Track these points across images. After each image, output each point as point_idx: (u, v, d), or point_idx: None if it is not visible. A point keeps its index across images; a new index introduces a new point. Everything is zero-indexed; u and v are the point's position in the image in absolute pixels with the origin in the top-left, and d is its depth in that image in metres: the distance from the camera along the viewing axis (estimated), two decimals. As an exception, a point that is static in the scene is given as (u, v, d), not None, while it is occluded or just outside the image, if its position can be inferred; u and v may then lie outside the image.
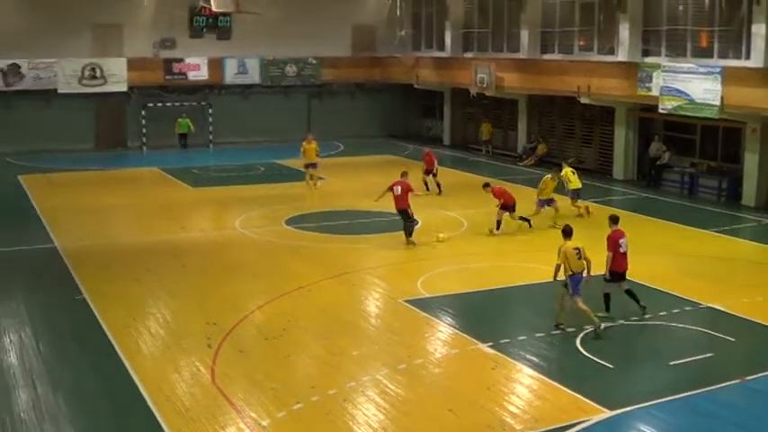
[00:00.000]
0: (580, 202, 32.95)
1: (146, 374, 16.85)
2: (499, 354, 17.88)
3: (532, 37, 47.78)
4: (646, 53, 40.72)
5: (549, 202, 31.83)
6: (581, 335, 18.88)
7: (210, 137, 54.38)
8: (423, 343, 18.99)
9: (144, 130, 53.27)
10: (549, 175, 32.14)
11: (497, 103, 50.87)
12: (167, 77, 54.16)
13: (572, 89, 41.93)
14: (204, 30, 55.61)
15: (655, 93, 37.15)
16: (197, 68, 54.67)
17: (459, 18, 54.48)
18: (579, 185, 32.97)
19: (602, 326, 19.38)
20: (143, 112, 53.25)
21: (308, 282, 23.31)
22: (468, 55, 53.11)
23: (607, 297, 20.57)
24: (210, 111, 54.92)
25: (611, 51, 42.47)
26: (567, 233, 20.21)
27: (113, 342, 18.77)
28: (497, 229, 29.56)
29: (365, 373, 16.86)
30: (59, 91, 51.37)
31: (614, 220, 21.09)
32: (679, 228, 31.42)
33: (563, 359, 17.99)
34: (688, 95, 35.53)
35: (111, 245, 28.71)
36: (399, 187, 28.64)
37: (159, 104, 53.84)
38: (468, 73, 49.69)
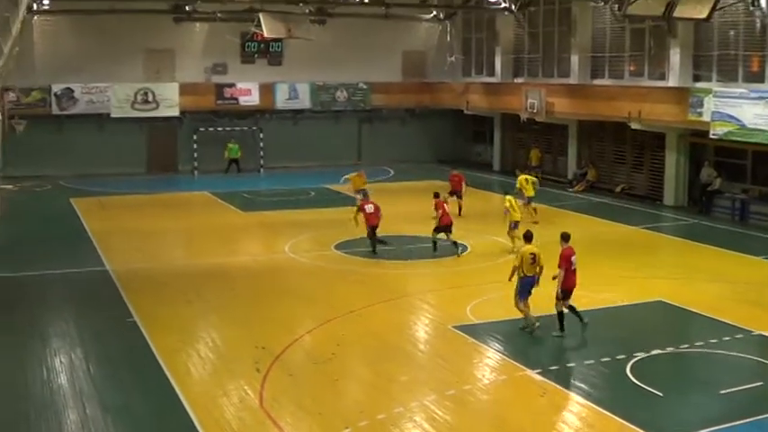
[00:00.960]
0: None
1: (195, 398, 16.90)
2: (547, 381, 17.73)
3: (583, 62, 47.65)
4: (697, 78, 40.48)
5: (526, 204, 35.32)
6: (631, 362, 18.69)
7: (261, 161, 54.65)
8: (471, 369, 18.89)
9: (195, 155, 53.67)
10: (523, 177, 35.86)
11: (547, 128, 50.70)
12: (219, 102, 54.58)
13: (622, 114, 41.72)
14: (256, 55, 56.03)
15: (706, 118, 36.86)
16: (248, 93, 55.05)
17: (509, 43, 54.48)
18: (532, 194, 36.29)
19: (537, 324, 20.85)
20: (194, 137, 53.66)
21: (358, 306, 23.30)
22: (519, 80, 53.06)
23: (561, 315, 20.94)
24: (261, 135, 55.22)
25: (662, 76, 42.24)
26: (528, 238, 21.75)
27: (163, 365, 18.85)
28: (434, 250, 30.81)
29: (413, 399, 16.79)
30: (112, 115, 51.95)
31: (565, 237, 21.48)
32: (730, 254, 31.08)
33: (612, 387, 17.79)
34: (739, 121, 35.23)
35: (161, 268, 28.93)
36: (371, 205, 31.06)
37: (210, 129, 54.26)
38: (518, 98, 49.62)
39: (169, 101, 52.96)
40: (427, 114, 59.34)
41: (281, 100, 55.90)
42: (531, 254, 21.05)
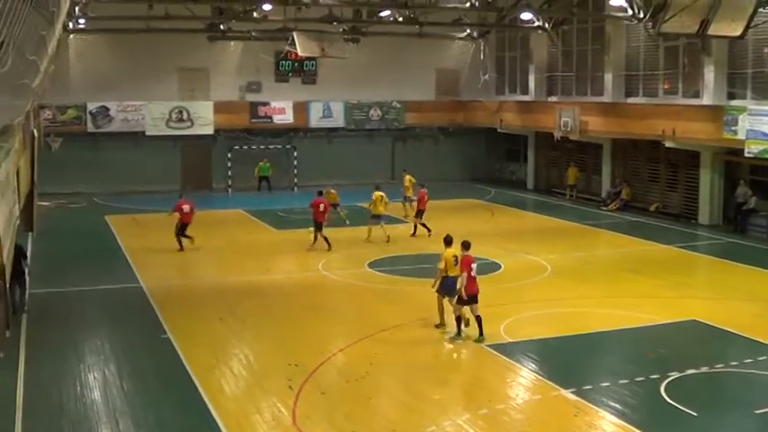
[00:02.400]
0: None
1: (228, 415, 16.90)
2: (581, 400, 17.61)
3: (616, 80, 47.55)
4: (731, 96, 40.31)
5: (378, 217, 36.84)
6: (665, 382, 18.55)
7: (295, 179, 54.81)
8: (504, 388, 18.80)
9: (229, 172, 53.92)
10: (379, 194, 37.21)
11: (581, 146, 50.57)
12: (253, 121, 54.87)
13: (657, 133, 41.55)
14: (290, 74, 56.30)
15: (740, 136, 36.65)
16: (282, 112, 55.29)
17: (542, 62, 54.45)
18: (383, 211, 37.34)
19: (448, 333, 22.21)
20: (229, 155, 53.93)
21: (391, 325, 23.27)
22: (552, 99, 53.01)
23: (459, 320, 22.09)
24: (295, 154, 55.43)
25: (696, 94, 42.08)
26: (448, 242, 22.84)
27: (196, 381, 18.88)
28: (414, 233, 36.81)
29: (446, 418, 16.72)
30: (147, 133, 52.35)
31: (466, 246, 22.33)
32: (765, 273, 30.77)
33: (646, 406, 17.64)
34: (774, 139, 35.06)
35: (195, 285, 29.07)
36: (322, 205, 34.78)
37: (245, 147, 54.52)
38: (551, 117, 49.55)
39: (204, 119, 53.30)
40: (461, 133, 59.38)
41: (315, 118, 56.12)
42: (454, 256, 22.34)
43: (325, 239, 34.57)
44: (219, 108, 53.80)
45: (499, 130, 55.90)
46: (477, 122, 58.22)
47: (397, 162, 57.80)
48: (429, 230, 37.33)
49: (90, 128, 51.70)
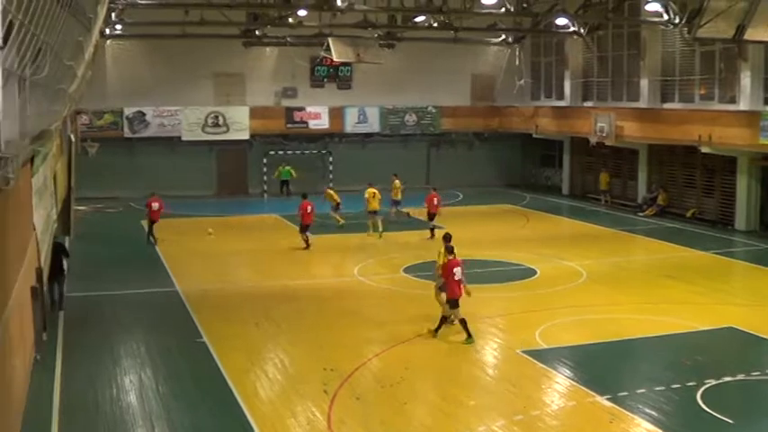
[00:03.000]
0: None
1: (263, 419, 16.93)
2: (617, 407, 17.50)
3: (652, 86, 47.29)
4: (768, 101, 40.04)
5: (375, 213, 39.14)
6: (701, 389, 18.40)
7: (330, 184, 54.83)
8: (539, 394, 18.71)
9: (265, 177, 54.07)
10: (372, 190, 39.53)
11: (617, 152, 50.35)
12: (288, 126, 55.01)
13: (693, 138, 41.27)
14: (325, 79, 56.40)
15: (777, 142, 36.41)
16: (318, 117, 55.42)
17: (578, 67, 54.25)
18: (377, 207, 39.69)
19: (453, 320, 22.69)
20: (264, 160, 54.11)
21: (426, 330, 23.19)
22: (588, 104, 52.78)
23: (443, 320, 22.81)
24: (330, 159, 55.52)
25: (733, 100, 41.78)
26: (447, 238, 23.77)
27: (231, 385, 18.93)
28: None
29: (481, 424, 16.67)
30: (183, 138, 52.61)
31: (449, 249, 23.10)
32: (804, 280, 30.57)
33: (682, 413, 17.50)
34: (811, 144, 34.78)
35: (230, 289, 29.14)
36: (310, 207, 36.30)
37: (280, 152, 54.67)
38: (587, 122, 49.36)
39: (239, 124, 53.50)
40: (496, 138, 59.28)
41: (351, 123, 56.22)
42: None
43: (306, 240, 36.16)
44: (255, 113, 54.01)
45: (534, 135, 55.77)
46: (512, 128, 58.13)
47: (433, 167, 57.82)
48: (432, 234, 37.75)
49: (126, 133, 52.03)
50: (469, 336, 22.30)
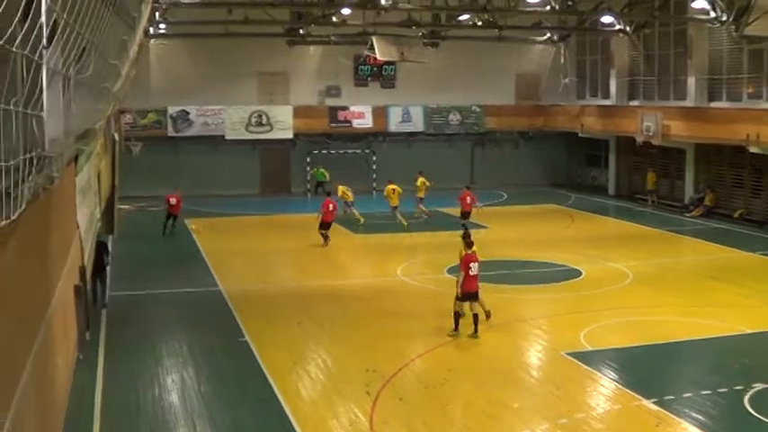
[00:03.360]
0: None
1: (305, 419, 16.93)
2: (663, 411, 17.32)
3: (699, 84, 46.87)
4: (816, 100, 39.58)
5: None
6: (749, 393, 18.18)
7: (374, 184, 54.89)
8: (584, 397, 18.57)
9: (308, 177, 54.21)
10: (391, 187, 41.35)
11: (664, 151, 49.96)
12: (332, 125, 55.12)
13: (740, 138, 40.84)
14: (369, 78, 56.49)
15: (826, 141, 35.97)
16: (361, 116, 55.47)
17: (624, 65, 53.89)
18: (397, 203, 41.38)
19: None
20: (308, 159, 54.25)
21: (470, 331, 23.13)
22: (634, 103, 52.42)
23: (457, 315, 22.94)
24: (374, 158, 55.56)
25: (782, 99, 41.38)
26: (466, 235, 24.22)
27: (273, 385, 18.95)
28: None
29: (525, 427, 16.57)
30: (226, 137, 52.89)
31: (469, 245, 23.36)
32: None
33: (729, 418, 17.29)
34: None
35: (273, 289, 29.23)
36: (332, 205, 36.96)
37: (324, 151, 54.78)
38: (633, 121, 49.01)
39: (283, 123, 53.67)
40: (541, 137, 59.07)
41: (395, 123, 56.23)
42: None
43: (324, 236, 36.78)
44: (299, 112, 54.17)
45: (580, 134, 55.46)
46: (557, 127, 57.86)
47: (477, 167, 57.70)
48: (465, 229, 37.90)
49: (170, 132, 52.39)
50: (476, 331, 22.71)
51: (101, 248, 26.34)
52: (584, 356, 21.08)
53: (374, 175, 55.05)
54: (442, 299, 27.25)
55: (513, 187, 55.88)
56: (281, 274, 32.55)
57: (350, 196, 42.41)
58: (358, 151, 56.03)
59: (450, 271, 31.20)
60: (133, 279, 30.13)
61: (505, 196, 53.40)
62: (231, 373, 20.10)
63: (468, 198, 39.52)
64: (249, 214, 46.54)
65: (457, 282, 23.19)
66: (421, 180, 44.17)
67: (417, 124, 56.77)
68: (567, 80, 58.19)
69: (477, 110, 57.64)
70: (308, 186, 54.32)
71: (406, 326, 24.35)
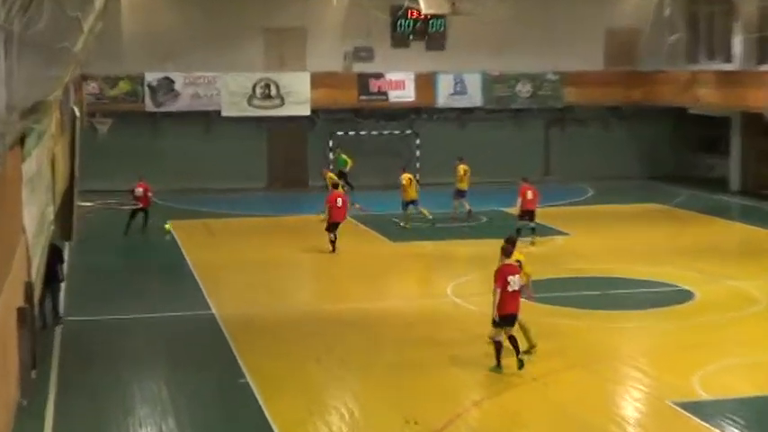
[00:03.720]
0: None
1: (324, 490, 16.80)
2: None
3: None
4: None
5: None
6: None
7: (417, 176, 54.69)
8: (700, 463, 18.36)
9: (331, 166, 54.08)
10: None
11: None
12: (362, 98, 55.08)
13: None
14: (411, 37, 56.33)
15: None
16: (401, 87, 55.39)
17: (751, 19, 53.37)
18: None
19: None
20: (330, 143, 54.13)
21: (543, 371, 22.92)
22: (765, 68, 51.97)
23: (497, 345, 22.88)
24: (417, 142, 55.43)
25: None
26: (510, 241, 24.11)
27: (283, 443, 18.85)
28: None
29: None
30: (223, 113, 52.97)
31: (506, 252, 23.41)
32: None
33: None
34: None
35: (284, 313, 29.16)
36: (341, 199, 37.67)
37: (351, 133, 54.68)
38: (764, 93, 48.57)
39: (298, 95, 53.68)
40: (638, 114, 58.82)
41: (444, 95, 56.14)
42: (517, 260, 23.71)
43: (332, 241, 37.49)
44: (318, 81, 54.17)
45: (691, 110, 55.12)
46: (660, 101, 57.48)
47: (552, 153, 57.55)
48: (530, 232, 38.19)
49: (148, 106, 52.50)
50: (498, 365, 22.80)
51: (53, 254, 26.31)
52: (698, 408, 20.81)
53: (417, 164, 54.87)
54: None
55: (602, 181, 55.62)
56: (294, 293, 32.52)
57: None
58: (396, 132, 55.95)
59: (519, 291, 31.00)
60: (96, 300, 30.16)
61: (591, 192, 53.33)
62: (227, 427, 20.01)
63: (530, 192, 39.19)
64: (253, 215, 46.61)
65: (493, 302, 23.02)
66: (463, 167, 44.53)
67: (474, 97, 56.68)
68: (674, 38, 57.75)
69: (554, 78, 57.46)
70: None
71: (459, 363, 24.19)
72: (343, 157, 53.30)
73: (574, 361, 23.83)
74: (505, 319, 22.81)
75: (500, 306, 22.67)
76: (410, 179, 41.95)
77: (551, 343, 25.52)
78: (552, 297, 30.10)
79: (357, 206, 43.57)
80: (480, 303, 29.38)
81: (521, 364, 22.46)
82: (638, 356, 24.61)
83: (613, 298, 30.43)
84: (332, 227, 37.14)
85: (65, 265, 28.35)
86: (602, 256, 36.44)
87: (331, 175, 44.01)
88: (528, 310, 28.50)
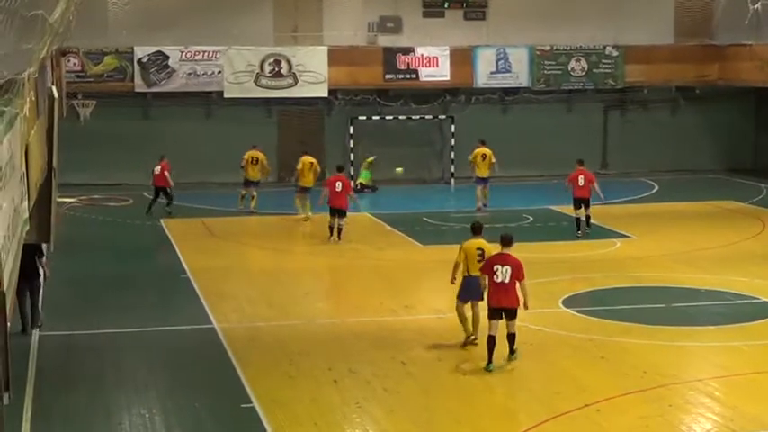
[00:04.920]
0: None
1: None
2: None
3: None
4: None
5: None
6: None
7: (452, 168, 54.80)
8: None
9: (352, 156, 54.16)
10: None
11: None
12: (388, 77, 55.13)
13: None
14: (446, 5, 56.32)
15: None
16: (434, 64, 55.45)
17: None
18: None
19: (474, 338, 26.34)
20: (351, 129, 54.21)
21: (598, 397, 22.98)
22: None
23: (490, 341, 24.96)
24: (453, 129, 55.44)
25: None
26: (476, 230, 27.20)
27: (295, 479, 19.03)
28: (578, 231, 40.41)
29: None
30: (226, 95, 53.05)
31: (505, 241, 25.87)
32: None
33: None
34: None
35: (295, 327, 29.24)
36: (340, 183, 39.42)
37: (375, 117, 54.73)
38: None
39: (313, 74, 53.79)
40: (714, 96, 58.82)
41: (485, 74, 56.19)
42: (479, 248, 26.27)
43: (332, 228, 40.10)
44: (337, 58, 54.26)
45: (775, 92, 55.18)
46: (740, 80, 57.42)
47: (611, 141, 57.56)
48: (584, 226, 39.81)
49: (139, 85, 52.63)
50: (490, 362, 24.80)
51: (31, 249, 26.50)
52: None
53: (452, 154, 54.90)
54: (553, 346, 27.17)
55: (670, 174, 55.67)
56: (307, 304, 32.51)
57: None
58: (428, 117, 55.97)
59: (568, 303, 31.09)
60: (78, 312, 30.31)
61: (656, 188, 53.34)
62: (229, 459, 20.12)
63: (581, 178, 39.38)
64: (260, 213, 46.66)
65: (453, 275, 26.72)
66: (481, 151, 46.81)
67: (520, 76, 56.73)
68: (758, 6, 57.65)
69: (614, 54, 57.45)
70: (351, 172, 54.31)
71: (500, 386, 24.36)
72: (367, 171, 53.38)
73: (634, 385, 23.83)
74: (493, 311, 24.97)
75: (489, 297, 25.22)
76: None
77: (606, 363, 25.66)
78: (608, 310, 30.28)
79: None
80: (524, 318, 29.49)
81: (512, 356, 25.30)
82: (710, 380, 24.57)
83: (680, 311, 30.45)
84: (333, 211, 39.44)
85: (44, 260, 28.50)
86: (667, 262, 36.43)
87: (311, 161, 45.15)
88: (590, 328, 28.75)
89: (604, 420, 21.95)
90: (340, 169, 41.00)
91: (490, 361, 24.70)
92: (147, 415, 22.49)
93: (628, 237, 40.10)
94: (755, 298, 31.60)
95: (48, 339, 26.84)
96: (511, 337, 25.10)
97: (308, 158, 44.80)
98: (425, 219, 44.57)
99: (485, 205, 45.07)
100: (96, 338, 28.02)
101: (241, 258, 37.74)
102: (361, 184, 53.32)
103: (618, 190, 42.90)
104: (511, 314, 25.00)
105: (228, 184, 51.35)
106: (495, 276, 24.82)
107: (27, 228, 28.28)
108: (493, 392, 23.95)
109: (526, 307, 25.28)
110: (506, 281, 24.85)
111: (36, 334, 26.58)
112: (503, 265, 24.92)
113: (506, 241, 25.75)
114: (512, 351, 25.22)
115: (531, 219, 43.92)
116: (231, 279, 34.70)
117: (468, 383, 24.38)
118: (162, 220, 43.16)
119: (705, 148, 58.64)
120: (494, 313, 24.96)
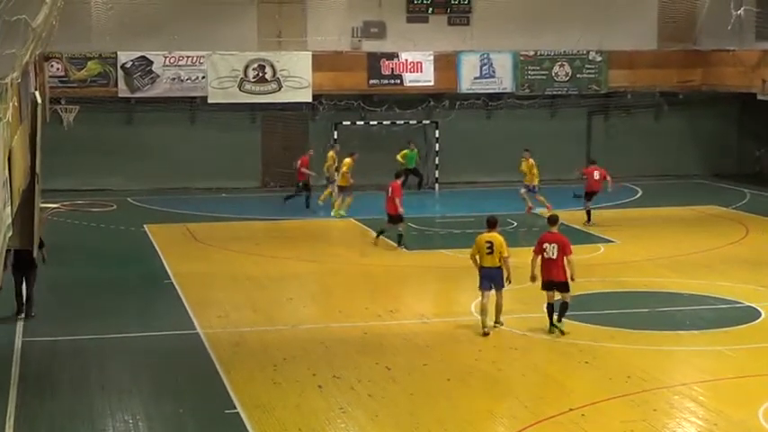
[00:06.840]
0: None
1: None
2: None
3: None
4: None
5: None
6: None
7: (436, 173, 54.83)
8: None
9: (336, 163, 54.14)
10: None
11: None
12: (372, 82, 55.19)
13: None
14: (430, 9, 56.33)
15: None
16: (418, 69, 55.46)
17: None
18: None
19: (486, 330, 28.30)
20: (335, 134, 54.20)
21: (582, 401, 23.01)
22: None
23: (549, 308, 28.44)
24: (437, 134, 55.46)
25: None
26: (491, 224, 28.97)
27: (279, 486, 19.00)
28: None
29: None
30: (210, 100, 53.01)
31: (551, 220, 29.29)
32: None
33: None
34: None
35: (280, 333, 29.23)
36: (391, 188, 39.79)
37: (360, 123, 54.73)
38: None
39: (297, 79, 53.84)
40: (697, 102, 58.92)
41: (469, 79, 56.23)
42: (488, 242, 28.36)
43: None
44: (321, 62, 54.32)
45: (760, 96, 55.12)
46: (724, 85, 57.53)
47: (595, 146, 57.57)
48: (588, 218, 41.99)
49: (122, 91, 52.55)
50: (552, 324, 28.48)
51: None
52: (765, 446, 20.88)
53: (436, 159, 54.91)
54: (540, 351, 27.21)
55: (653, 179, 55.80)
56: (291, 309, 32.53)
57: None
58: (411, 123, 55.95)
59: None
60: (61, 318, 30.28)
61: (640, 193, 53.49)
62: (212, 465, 20.07)
63: (597, 173, 40.20)
64: (244, 218, 46.68)
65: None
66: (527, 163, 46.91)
67: (504, 81, 56.78)
68: (740, 11, 57.74)
69: (598, 59, 57.56)
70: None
71: (485, 393, 24.33)
72: (413, 152, 53.32)
73: (619, 389, 23.91)
74: (546, 283, 28.22)
75: (542, 272, 28.31)
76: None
77: (591, 368, 25.70)
78: (594, 315, 30.29)
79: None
80: (511, 324, 29.66)
81: (552, 330, 28.15)
82: (693, 384, 24.62)
83: (664, 316, 30.56)
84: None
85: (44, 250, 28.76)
86: (651, 267, 36.49)
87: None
88: (579, 333, 28.80)
89: (589, 425, 21.94)
90: (398, 175, 41.33)
91: (552, 323, 28.06)
92: (130, 421, 22.46)
93: (612, 242, 40.21)
94: (739, 302, 31.69)
95: (31, 345, 26.80)
96: (563, 306, 28.15)
97: (349, 160, 45.96)
98: (410, 224, 44.47)
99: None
100: (80, 344, 27.97)
101: (225, 264, 37.70)
102: (408, 169, 53.29)
103: (602, 195, 42.91)
104: (561, 287, 27.99)
105: (211, 189, 51.31)
106: (544, 253, 27.92)
107: (10, 233, 28.31)
108: (478, 397, 23.91)
109: (572, 279, 28.10)
110: (554, 256, 27.79)
111: (19, 340, 26.52)
112: (551, 243, 27.92)
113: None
114: (559, 319, 28.13)
115: (516, 224, 43.88)
116: (215, 284, 34.68)
117: (453, 388, 24.36)
118: (145, 226, 43.05)
119: (689, 154, 58.78)
120: (546, 286, 28.19)
